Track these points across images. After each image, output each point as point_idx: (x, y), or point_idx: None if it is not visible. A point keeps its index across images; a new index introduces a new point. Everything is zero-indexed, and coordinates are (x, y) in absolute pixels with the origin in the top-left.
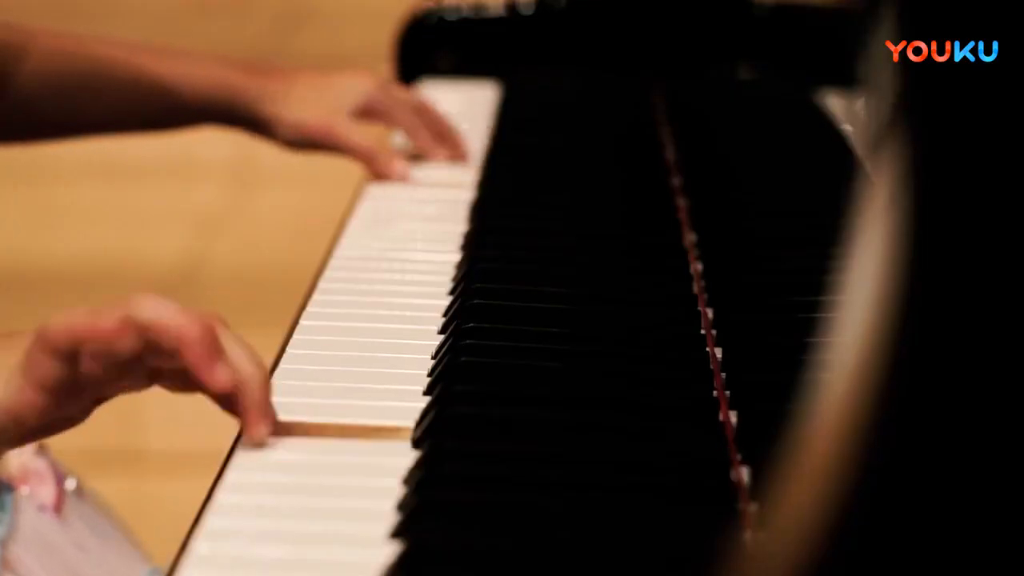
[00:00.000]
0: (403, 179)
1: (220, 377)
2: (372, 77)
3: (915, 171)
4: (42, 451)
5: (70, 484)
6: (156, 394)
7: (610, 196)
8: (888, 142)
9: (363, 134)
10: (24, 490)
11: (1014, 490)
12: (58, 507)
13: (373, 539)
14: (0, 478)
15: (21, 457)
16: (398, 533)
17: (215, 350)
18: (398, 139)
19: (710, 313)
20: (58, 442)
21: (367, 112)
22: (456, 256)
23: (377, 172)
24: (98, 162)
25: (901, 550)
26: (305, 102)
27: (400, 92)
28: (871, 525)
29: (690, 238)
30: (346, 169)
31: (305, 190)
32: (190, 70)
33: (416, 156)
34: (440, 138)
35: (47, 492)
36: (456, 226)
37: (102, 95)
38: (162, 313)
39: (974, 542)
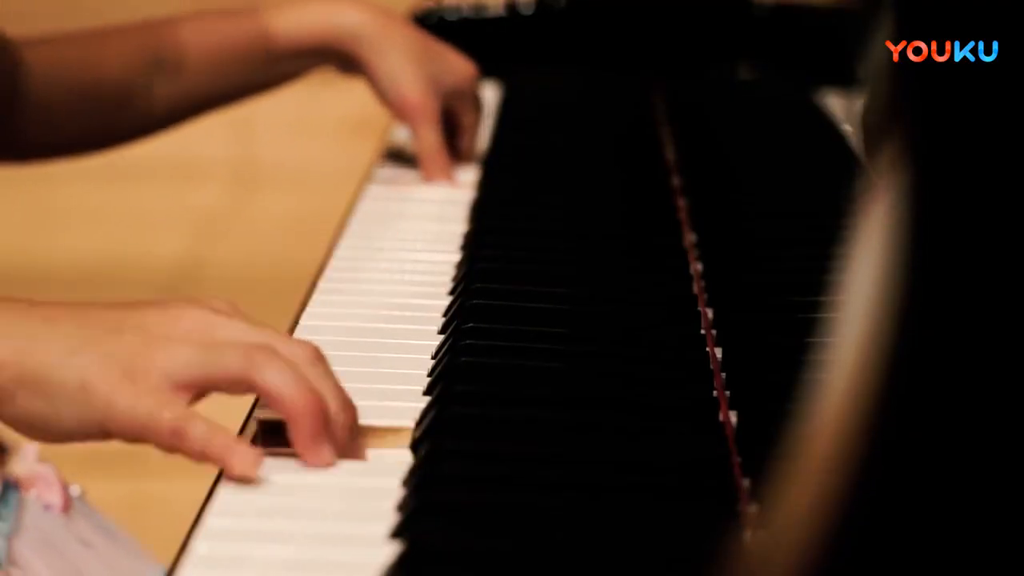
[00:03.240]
0: (450, 183)
1: (322, 460)
2: (473, 65)
3: (914, 171)
4: (43, 462)
5: (75, 490)
6: None
7: (610, 196)
8: (888, 142)
9: (437, 135)
10: (32, 493)
11: (1014, 490)
12: (65, 508)
13: (373, 539)
14: (7, 478)
15: (27, 463)
16: (398, 533)
17: (321, 433)
18: (401, 133)
19: (710, 313)
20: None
21: (454, 97)
22: (456, 256)
23: (428, 176)
24: (98, 162)
25: (901, 550)
26: (409, 64)
27: (479, 95)
28: (871, 525)
29: (690, 238)
30: (346, 169)
31: (305, 191)
32: (279, 22)
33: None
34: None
35: (54, 495)
36: (456, 226)
37: (194, 76)
38: (279, 382)
39: (974, 542)
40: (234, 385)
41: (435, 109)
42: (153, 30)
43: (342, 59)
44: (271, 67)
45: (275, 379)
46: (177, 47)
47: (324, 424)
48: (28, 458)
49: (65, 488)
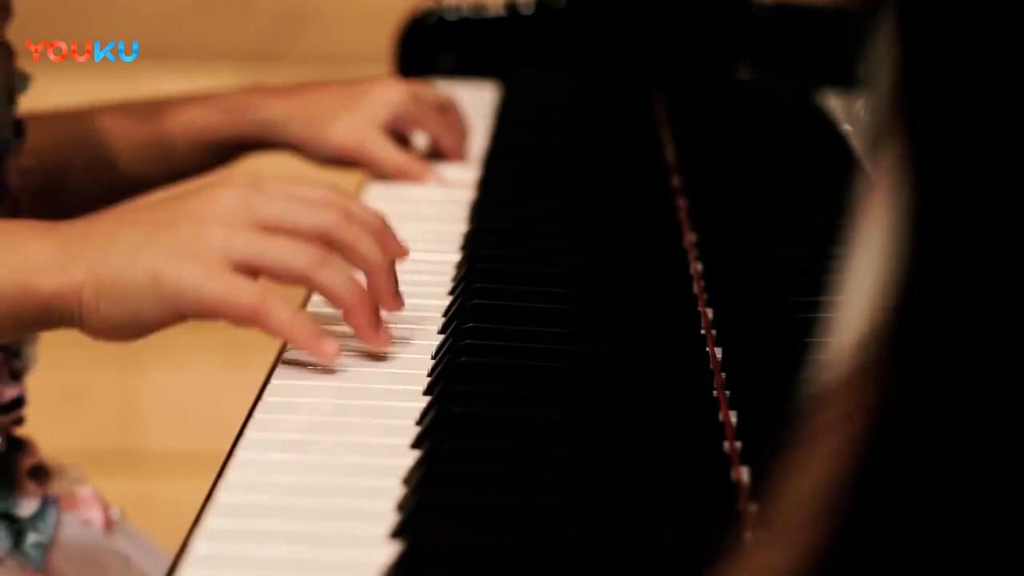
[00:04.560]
0: (437, 182)
1: (382, 343)
2: (402, 86)
3: (915, 171)
4: (84, 483)
5: (115, 514)
6: (156, 394)
7: (610, 196)
8: (888, 142)
9: (394, 151)
10: (72, 512)
11: (1015, 491)
12: (107, 527)
13: (373, 539)
14: (48, 494)
15: (68, 486)
16: (398, 533)
17: (374, 322)
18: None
19: (710, 313)
20: (59, 442)
21: (399, 123)
22: (456, 256)
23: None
24: None
25: (901, 550)
26: (339, 120)
27: (429, 97)
28: (871, 525)
29: (690, 238)
30: (346, 170)
31: None
32: (206, 117)
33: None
34: (459, 136)
35: (96, 515)
36: (456, 226)
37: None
38: (334, 284)
39: (974, 542)
40: (289, 279)
41: (379, 138)
42: (81, 118)
43: (285, 145)
44: (177, 160)
45: (330, 280)
46: (100, 137)
47: (375, 313)
48: (70, 480)
49: (106, 510)
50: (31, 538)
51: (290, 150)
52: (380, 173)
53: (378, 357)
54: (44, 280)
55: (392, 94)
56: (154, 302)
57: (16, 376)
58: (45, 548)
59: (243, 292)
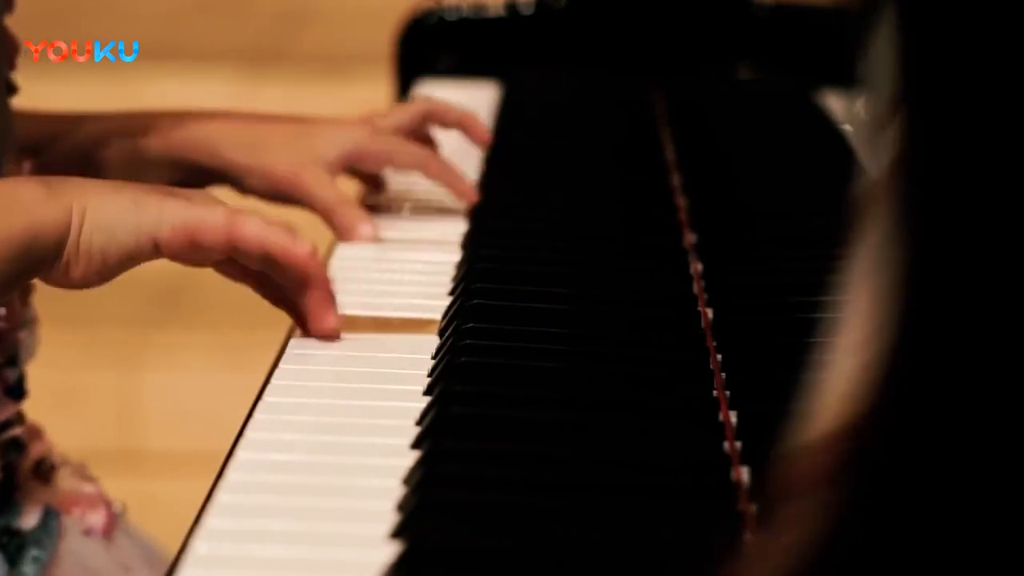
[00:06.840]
0: (368, 240)
1: (332, 323)
2: (357, 125)
3: (914, 171)
4: (89, 479)
5: (117, 507)
6: (156, 394)
7: (610, 196)
8: (888, 142)
9: (331, 186)
10: (75, 513)
11: (1014, 492)
12: (108, 531)
13: (373, 539)
14: (49, 504)
15: (71, 483)
16: (398, 533)
17: (332, 298)
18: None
19: (710, 313)
20: (59, 442)
21: (356, 163)
22: (456, 256)
23: (338, 228)
24: None
25: (901, 550)
26: (278, 151)
27: (395, 124)
28: (871, 526)
29: (690, 238)
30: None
31: None
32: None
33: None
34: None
35: (97, 518)
36: (456, 226)
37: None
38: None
39: (974, 543)
40: (256, 240)
41: (316, 170)
42: (71, 121)
43: (218, 172)
44: (149, 178)
45: (289, 243)
46: (90, 143)
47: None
48: (74, 476)
49: (109, 507)
50: (30, 554)
51: (225, 182)
52: (314, 210)
53: (379, 357)
54: (42, 212)
55: (343, 132)
56: (131, 226)
57: (11, 393)
58: (43, 565)
59: (217, 210)
